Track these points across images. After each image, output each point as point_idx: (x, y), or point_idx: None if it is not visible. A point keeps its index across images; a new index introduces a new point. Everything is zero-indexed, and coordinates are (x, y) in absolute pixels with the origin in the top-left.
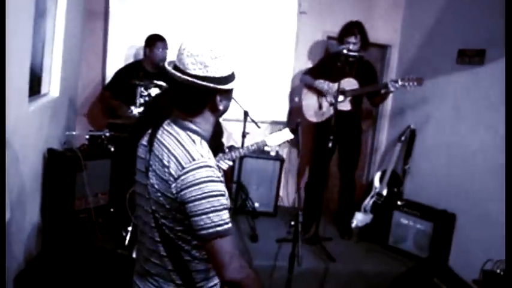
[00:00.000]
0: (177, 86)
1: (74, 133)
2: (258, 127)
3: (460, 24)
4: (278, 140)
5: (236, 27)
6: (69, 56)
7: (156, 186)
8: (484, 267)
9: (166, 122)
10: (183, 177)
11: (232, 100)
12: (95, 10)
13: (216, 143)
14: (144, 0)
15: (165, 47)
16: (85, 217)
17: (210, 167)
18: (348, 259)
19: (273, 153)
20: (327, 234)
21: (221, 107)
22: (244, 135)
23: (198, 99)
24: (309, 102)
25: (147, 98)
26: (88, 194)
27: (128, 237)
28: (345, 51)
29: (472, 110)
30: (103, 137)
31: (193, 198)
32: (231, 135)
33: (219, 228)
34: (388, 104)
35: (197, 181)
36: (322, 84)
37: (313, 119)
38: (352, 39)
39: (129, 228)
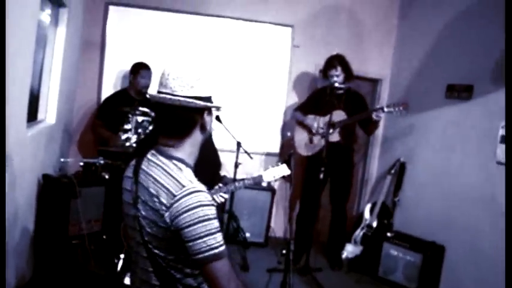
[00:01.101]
0: (164, 111)
1: (69, 160)
2: (251, 158)
3: (448, 60)
4: (275, 175)
5: (231, 60)
6: (66, 84)
7: (148, 218)
8: None
9: (150, 153)
10: (175, 204)
11: (226, 131)
12: (93, 41)
13: (214, 175)
14: (141, 32)
15: (148, 74)
16: (78, 243)
17: (200, 191)
18: None
19: (264, 184)
20: (317, 265)
21: (208, 126)
22: (236, 165)
23: (187, 119)
24: (300, 137)
25: (134, 125)
26: (82, 220)
27: (120, 264)
28: (336, 84)
29: (461, 143)
30: (97, 164)
31: (187, 224)
32: (224, 166)
33: (215, 251)
34: (379, 136)
35: (190, 207)
36: (312, 121)
37: (304, 153)
38: (334, 72)
39: (122, 256)
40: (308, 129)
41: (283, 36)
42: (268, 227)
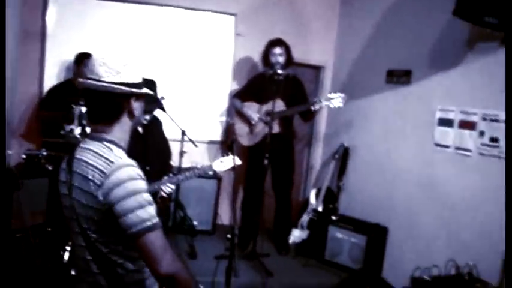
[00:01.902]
0: (92, 97)
1: (10, 152)
2: (196, 146)
3: (388, 46)
4: (225, 165)
5: (174, 49)
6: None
7: (83, 202)
8: (414, 275)
9: (82, 141)
10: (106, 181)
11: (170, 119)
12: (32, 30)
13: (164, 165)
14: (82, 20)
15: None
16: (21, 236)
17: (128, 165)
18: (285, 273)
19: (210, 172)
20: (264, 250)
21: (137, 113)
22: (182, 154)
23: (114, 105)
24: (241, 126)
25: (77, 116)
26: (25, 212)
27: (66, 256)
28: (279, 68)
29: (401, 127)
30: (40, 156)
31: (118, 198)
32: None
33: (148, 223)
34: (322, 123)
35: (120, 181)
36: (251, 112)
37: (245, 142)
38: (277, 50)
39: (67, 247)
40: (247, 119)
41: (227, 25)
42: (215, 214)
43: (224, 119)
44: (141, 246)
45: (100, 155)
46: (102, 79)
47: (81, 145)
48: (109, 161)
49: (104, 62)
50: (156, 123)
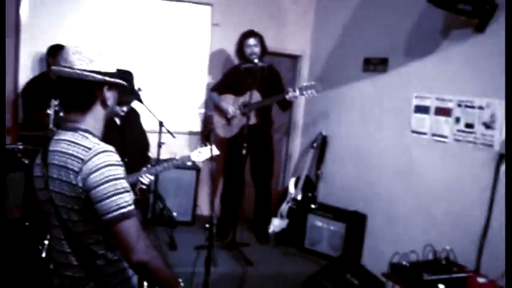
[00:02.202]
0: (65, 85)
1: None
2: (174, 137)
3: (365, 34)
4: (203, 155)
5: (150, 39)
6: None
7: (62, 192)
8: (392, 261)
9: (56, 134)
10: (84, 166)
11: (147, 111)
12: (6, 23)
13: (142, 156)
14: (56, 11)
15: None
16: None
17: (107, 151)
18: (266, 262)
19: (189, 163)
20: (244, 240)
21: (110, 102)
22: (160, 145)
23: (87, 93)
24: (218, 119)
25: (54, 109)
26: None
27: (44, 251)
28: (255, 58)
29: (378, 115)
30: (16, 149)
31: (96, 183)
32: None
33: (123, 210)
34: (300, 112)
35: (98, 166)
36: (227, 105)
37: (222, 134)
38: (251, 41)
39: (46, 242)
40: (224, 112)
41: (203, 15)
42: (194, 205)
43: (202, 111)
44: (116, 233)
45: (76, 143)
46: (75, 67)
47: (55, 137)
48: (86, 147)
49: (78, 51)
50: (133, 114)
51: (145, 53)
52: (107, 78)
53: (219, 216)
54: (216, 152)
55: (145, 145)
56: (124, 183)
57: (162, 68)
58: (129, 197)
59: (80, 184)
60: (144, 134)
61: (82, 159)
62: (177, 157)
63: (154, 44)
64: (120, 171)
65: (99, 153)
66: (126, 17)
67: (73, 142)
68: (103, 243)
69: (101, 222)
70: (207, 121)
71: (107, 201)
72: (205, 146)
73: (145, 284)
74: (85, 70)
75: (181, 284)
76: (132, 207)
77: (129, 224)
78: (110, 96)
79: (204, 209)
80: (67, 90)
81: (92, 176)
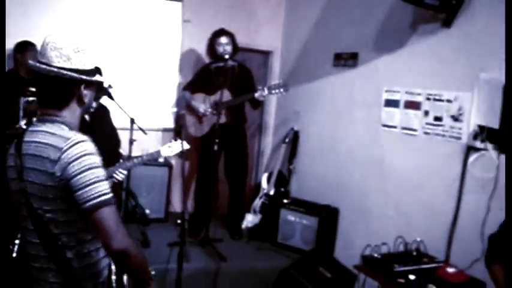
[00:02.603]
0: (42, 81)
1: None
2: (145, 134)
3: (335, 29)
4: (173, 150)
5: (120, 35)
6: None
7: (37, 182)
8: (364, 253)
9: (32, 125)
10: (63, 156)
11: (118, 108)
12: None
13: (112, 153)
14: (23, 7)
15: (36, 51)
16: None
17: (85, 141)
18: (239, 258)
19: (161, 160)
20: (217, 236)
21: (86, 100)
22: (131, 142)
23: (64, 91)
24: (190, 118)
25: (24, 106)
26: None
27: (15, 250)
28: (227, 56)
29: (348, 109)
30: None
31: (76, 172)
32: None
33: (104, 198)
34: (272, 108)
35: (78, 155)
36: (198, 103)
37: (194, 133)
38: (223, 40)
39: (17, 241)
40: (195, 111)
41: (173, 11)
42: (167, 202)
43: (175, 110)
44: (95, 221)
45: (53, 133)
46: (53, 64)
47: (30, 128)
48: (65, 137)
49: (56, 47)
50: (103, 110)
51: (115, 49)
52: (84, 77)
53: (192, 213)
54: (186, 146)
55: (116, 142)
56: (102, 172)
57: (133, 65)
58: (107, 185)
59: (58, 173)
60: (115, 131)
61: (60, 149)
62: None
63: (125, 41)
64: (98, 160)
65: (78, 142)
66: (96, 13)
67: (50, 133)
68: (74, 235)
69: (77, 213)
70: (178, 120)
71: (88, 188)
72: (175, 141)
73: (113, 277)
74: (63, 68)
75: (153, 272)
76: (111, 195)
77: (109, 212)
78: (86, 93)
79: (177, 206)
80: (44, 86)
81: (72, 165)
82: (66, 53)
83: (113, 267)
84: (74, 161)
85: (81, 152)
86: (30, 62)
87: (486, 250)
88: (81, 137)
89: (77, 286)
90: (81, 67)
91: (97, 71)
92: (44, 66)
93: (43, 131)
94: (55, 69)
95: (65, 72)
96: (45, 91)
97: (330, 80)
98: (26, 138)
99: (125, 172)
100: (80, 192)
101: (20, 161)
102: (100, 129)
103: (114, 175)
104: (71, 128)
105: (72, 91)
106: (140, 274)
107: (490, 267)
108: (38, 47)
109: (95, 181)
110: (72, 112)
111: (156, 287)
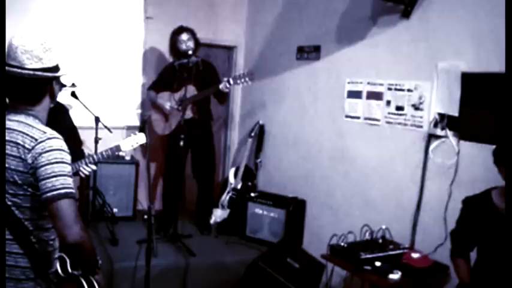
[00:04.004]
0: (15, 82)
1: None
2: (111, 132)
3: (298, 23)
4: (132, 143)
5: (82, 32)
6: None
7: (8, 168)
8: (330, 242)
9: (7, 113)
10: (36, 146)
11: (83, 107)
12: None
13: (75, 151)
14: None
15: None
16: None
17: (59, 138)
18: (208, 253)
19: (128, 158)
20: (186, 232)
21: (56, 94)
22: (97, 141)
23: (38, 89)
24: (156, 117)
25: None
26: None
27: None
28: (190, 52)
29: (312, 102)
30: None
31: (45, 162)
32: (84, 143)
33: (65, 190)
34: (237, 103)
35: (51, 148)
36: (163, 101)
37: (161, 132)
38: (183, 37)
39: None
40: (161, 110)
41: (135, 8)
42: (135, 200)
43: (139, 111)
44: (54, 211)
45: (29, 125)
46: (26, 66)
47: (6, 117)
48: (41, 130)
49: (26, 50)
50: (60, 110)
51: (77, 47)
52: (56, 74)
53: (160, 210)
54: (143, 139)
55: (76, 140)
56: (69, 169)
57: (95, 63)
58: (72, 182)
59: (30, 161)
60: (74, 129)
61: (36, 139)
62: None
63: (87, 38)
64: (68, 158)
65: (53, 138)
66: (57, 10)
67: (26, 123)
68: (35, 221)
69: (37, 201)
70: (147, 122)
71: (53, 179)
72: (135, 134)
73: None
74: (36, 69)
75: (100, 262)
76: (74, 191)
77: (68, 204)
78: (56, 88)
79: (144, 203)
80: (18, 86)
81: (43, 155)
82: (36, 54)
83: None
84: (45, 152)
85: (53, 146)
86: (5, 68)
87: (450, 245)
88: (55, 133)
89: (44, 271)
90: (50, 65)
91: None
92: (18, 70)
93: (19, 120)
94: (30, 72)
95: (39, 73)
96: (19, 90)
97: (293, 73)
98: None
99: (92, 167)
100: (44, 181)
101: None
102: (59, 128)
103: (80, 170)
104: (42, 122)
105: (45, 88)
106: (90, 264)
107: (454, 260)
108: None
109: (60, 174)
110: (44, 107)
111: (102, 274)
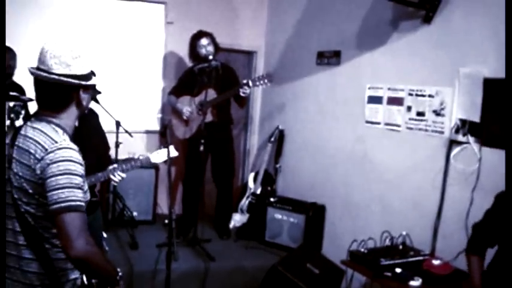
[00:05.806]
0: (42, 87)
1: None
2: (131, 136)
3: (318, 28)
4: (162, 157)
5: (106, 39)
6: None
7: (20, 174)
8: (350, 248)
9: (30, 121)
10: (46, 156)
11: (104, 111)
12: None
13: (101, 158)
14: (10, 12)
15: (13, 56)
16: None
17: (71, 148)
18: (227, 257)
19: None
20: (206, 236)
21: (84, 102)
22: (117, 145)
23: (64, 96)
24: (177, 121)
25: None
26: None
27: None
28: (211, 57)
29: (332, 107)
30: None
31: (52, 174)
32: None
33: (71, 203)
34: (257, 107)
35: (59, 159)
36: (182, 106)
37: (181, 135)
38: (203, 42)
39: None
40: (180, 113)
41: (157, 14)
42: (154, 204)
43: (160, 115)
44: (58, 224)
45: (45, 133)
46: (53, 71)
47: (28, 124)
48: (53, 140)
49: (55, 55)
50: (91, 115)
51: (99, 52)
52: (83, 82)
53: (180, 214)
54: (174, 153)
55: (105, 146)
56: (79, 180)
57: (117, 68)
58: (80, 194)
59: (38, 171)
60: (103, 135)
61: (46, 149)
62: (137, 157)
63: (108, 44)
64: (79, 169)
65: (64, 148)
66: (80, 17)
67: (43, 132)
68: (49, 229)
69: (49, 211)
70: (166, 125)
71: (58, 191)
72: (164, 147)
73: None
74: (63, 75)
75: (120, 274)
76: (81, 204)
77: (73, 217)
78: (84, 97)
79: (164, 207)
80: (44, 92)
81: (51, 166)
82: (64, 60)
83: None
84: (54, 163)
85: (63, 157)
86: (30, 68)
87: (469, 239)
88: (68, 143)
89: (56, 278)
90: (79, 73)
91: (93, 74)
92: (44, 74)
93: (37, 128)
94: (56, 77)
95: (65, 79)
96: (45, 96)
97: (313, 78)
98: (22, 132)
99: (123, 175)
100: (51, 193)
101: (11, 151)
102: (87, 134)
103: (112, 176)
104: (65, 131)
105: (71, 96)
106: (103, 278)
107: (469, 256)
108: (17, 51)
109: (67, 186)
110: (70, 115)
111: (124, 286)
